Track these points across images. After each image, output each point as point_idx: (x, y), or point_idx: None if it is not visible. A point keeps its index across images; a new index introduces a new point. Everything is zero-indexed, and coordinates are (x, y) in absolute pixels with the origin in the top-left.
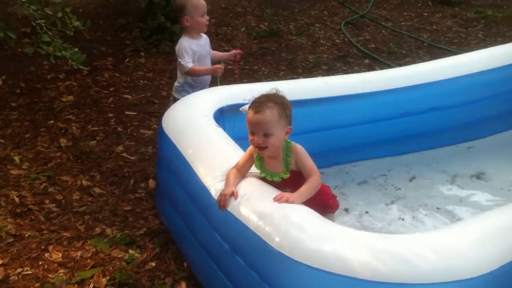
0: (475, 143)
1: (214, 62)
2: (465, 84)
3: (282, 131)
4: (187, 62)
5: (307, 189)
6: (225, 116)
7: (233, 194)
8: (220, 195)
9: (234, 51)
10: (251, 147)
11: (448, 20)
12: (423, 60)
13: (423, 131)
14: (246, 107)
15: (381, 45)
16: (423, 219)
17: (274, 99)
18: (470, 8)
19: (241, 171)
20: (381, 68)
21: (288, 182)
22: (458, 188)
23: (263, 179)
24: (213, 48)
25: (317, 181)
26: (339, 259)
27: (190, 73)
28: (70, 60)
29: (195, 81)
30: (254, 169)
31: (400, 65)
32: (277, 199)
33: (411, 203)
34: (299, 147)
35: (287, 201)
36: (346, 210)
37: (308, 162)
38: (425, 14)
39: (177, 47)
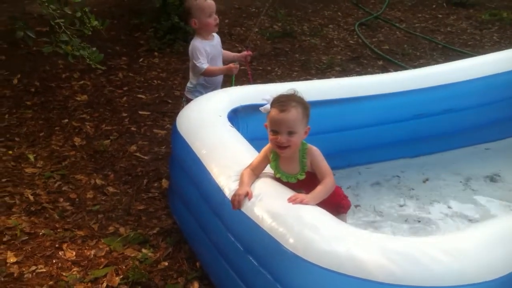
0: (491, 145)
1: (225, 62)
2: (479, 86)
3: (303, 130)
4: (202, 63)
5: (321, 191)
6: (239, 117)
7: (247, 194)
8: (234, 194)
9: (244, 53)
10: (266, 147)
11: (463, 22)
12: (437, 62)
13: (437, 133)
14: (267, 106)
15: (395, 47)
16: (437, 221)
17: (295, 98)
18: (484, 10)
19: (256, 171)
20: (395, 70)
21: (303, 183)
22: (472, 190)
23: (278, 179)
24: (226, 49)
25: (331, 183)
26: (353, 261)
27: (206, 73)
28: (87, 59)
29: (208, 81)
30: (268, 169)
31: (414, 67)
32: (291, 200)
33: (425, 205)
34: (314, 149)
35: (301, 202)
36: (356, 206)
37: (323, 164)
38: (440, 15)
39: (190, 49)
